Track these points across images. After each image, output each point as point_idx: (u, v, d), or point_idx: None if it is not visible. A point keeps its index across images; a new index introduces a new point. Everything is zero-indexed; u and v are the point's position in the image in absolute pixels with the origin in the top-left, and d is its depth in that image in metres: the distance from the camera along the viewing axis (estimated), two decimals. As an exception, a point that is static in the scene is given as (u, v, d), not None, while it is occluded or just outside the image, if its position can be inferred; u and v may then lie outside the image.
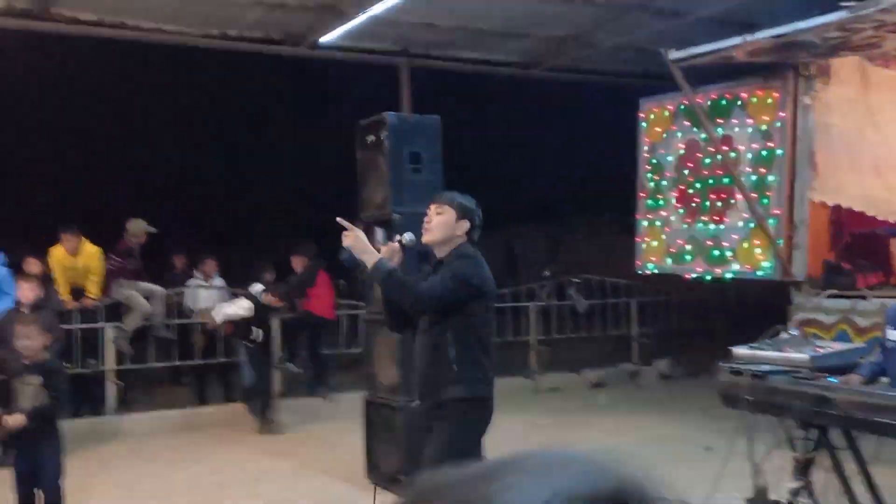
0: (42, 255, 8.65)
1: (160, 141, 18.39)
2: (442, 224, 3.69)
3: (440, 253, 3.74)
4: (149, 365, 9.37)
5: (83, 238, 8.64)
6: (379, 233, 6.37)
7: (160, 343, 9.41)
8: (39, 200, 16.27)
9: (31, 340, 5.06)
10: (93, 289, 8.56)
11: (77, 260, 8.58)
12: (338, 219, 3.76)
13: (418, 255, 4.15)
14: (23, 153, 16.96)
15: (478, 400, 3.63)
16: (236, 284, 9.89)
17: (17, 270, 7.78)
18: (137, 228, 9.03)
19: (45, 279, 8.12)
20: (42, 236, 9.05)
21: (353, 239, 3.68)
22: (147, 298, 9.12)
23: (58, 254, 8.56)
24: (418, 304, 3.57)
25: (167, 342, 9.40)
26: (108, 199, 15.31)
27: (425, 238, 3.75)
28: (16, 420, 4.97)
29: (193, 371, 9.81)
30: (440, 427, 3.61)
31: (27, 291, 6.67)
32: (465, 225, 3.73)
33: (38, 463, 5.02)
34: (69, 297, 8.41)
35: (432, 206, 3.77)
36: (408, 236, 3.84)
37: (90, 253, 8.65)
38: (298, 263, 9.55)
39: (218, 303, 9.42)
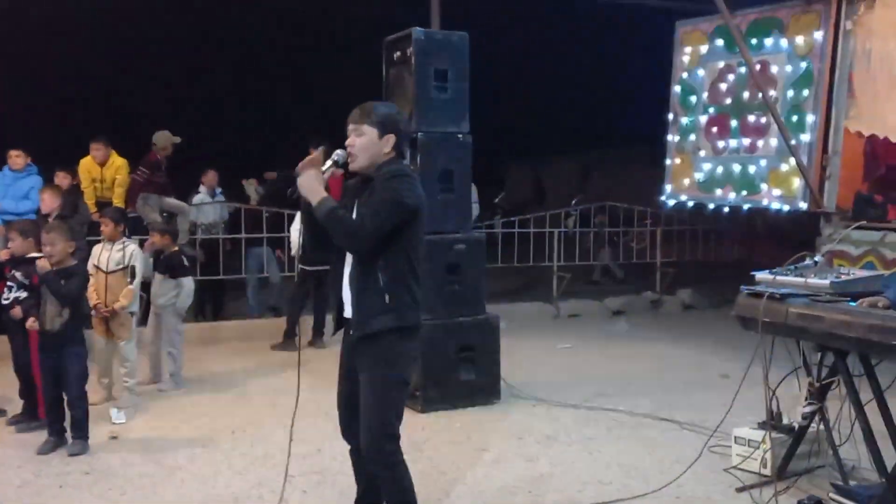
0: (73, 168, 8.72)
1: (188, 57, 18.32)
2: (364, 146, 3.33)
3: (370, 173, 3.40)
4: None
5: (111, 149, 8.66)
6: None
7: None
8: (73, 117, 16.33)
9: (54, 247, 5.15)
10: (117, 201, 8.62)
11: (104, 171, 8.63)
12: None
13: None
14: (57, 69, 16.99)
15: (408, 329, 3.40)
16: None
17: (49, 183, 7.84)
18: (163, 139, 8.96)
19: (75, 191, 8.19)
20: (75, 152, 9.05)
21: (307, 175, 3.33)
22: (173, 215, 9.11)
23: (86, 164, 8.63)
24: (350, 240, 3.26)
25: (192, 260, 9.46)
26: (138, 114, 15.33)
27: (352, 166, 3.36)
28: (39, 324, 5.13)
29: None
30: (372, 364, 3.37)
31: (47, 201, 6.76)
32: (391, 139, 3.35)
33: (61, 366, 5.15)
34: (94, 209, 8.46)
35: (350, 128, 3.38)
36: (340, 153, 3.44)
37: (118, 165, 8.70)
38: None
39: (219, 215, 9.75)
